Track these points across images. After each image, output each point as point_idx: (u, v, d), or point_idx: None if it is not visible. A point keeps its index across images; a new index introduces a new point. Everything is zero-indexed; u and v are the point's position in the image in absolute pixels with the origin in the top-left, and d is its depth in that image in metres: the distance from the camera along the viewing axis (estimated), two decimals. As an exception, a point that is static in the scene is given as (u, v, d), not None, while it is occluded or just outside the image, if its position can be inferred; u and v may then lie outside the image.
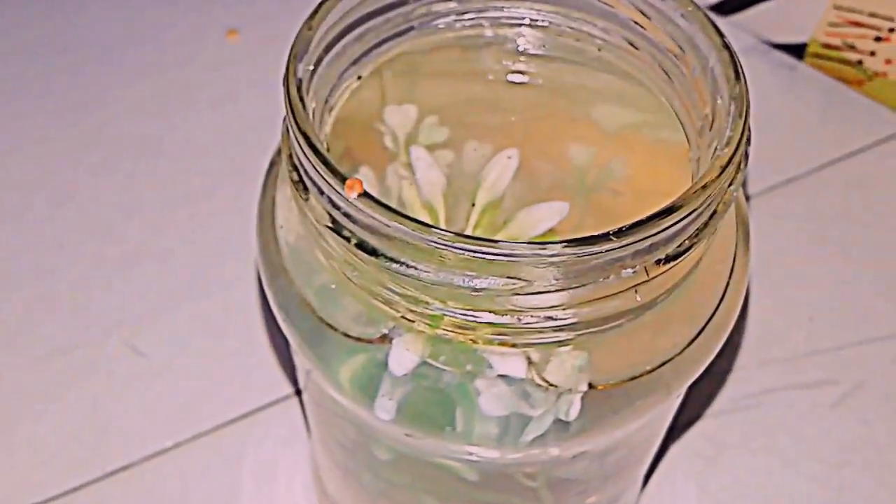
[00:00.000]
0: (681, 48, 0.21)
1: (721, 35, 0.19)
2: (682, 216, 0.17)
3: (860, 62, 0.42)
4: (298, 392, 0.33)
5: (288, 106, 0.18)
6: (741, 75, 0.19)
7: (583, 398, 0.19)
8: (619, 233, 0.16)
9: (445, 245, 0.16)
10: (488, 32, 0.23)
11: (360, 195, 0.17)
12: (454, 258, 0.16)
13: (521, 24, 0.23)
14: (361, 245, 0.17)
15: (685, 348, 0.20)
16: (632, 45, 0.22)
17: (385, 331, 0.19)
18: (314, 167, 0.17)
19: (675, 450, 0.32)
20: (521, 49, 0.23)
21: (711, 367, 0.34)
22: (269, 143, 0.31)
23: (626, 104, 0.23)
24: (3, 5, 0.45)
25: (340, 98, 0.21)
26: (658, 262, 0.17)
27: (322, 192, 0.18)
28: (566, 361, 0.19)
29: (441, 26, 0.23)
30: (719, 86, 0.19)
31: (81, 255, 0.37)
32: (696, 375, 0.21)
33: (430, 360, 0.19)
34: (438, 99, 0.23)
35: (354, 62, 0.21)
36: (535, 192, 0.22)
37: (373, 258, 0.17)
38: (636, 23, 0.22)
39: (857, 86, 0.43)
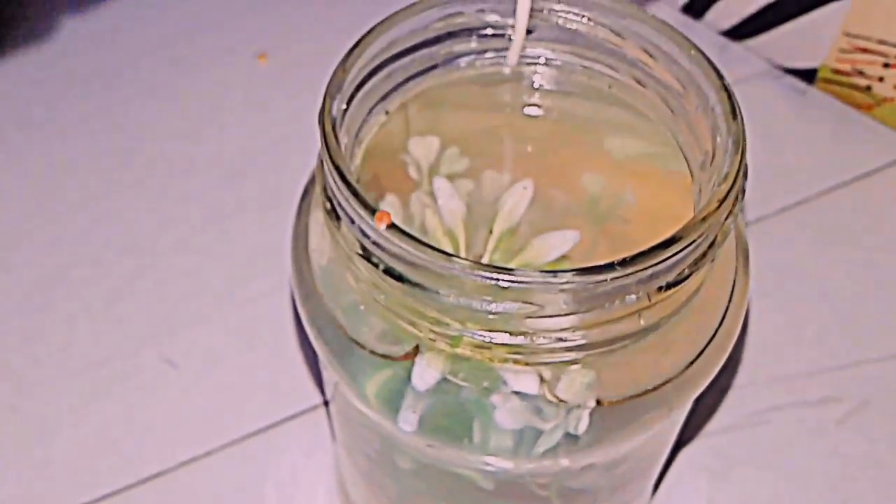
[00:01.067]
0: (684, 87, 0.22)
1: (721, 77, 0.21)
2: (682, 247, 0.18)
3: (869, 87, 0.44)
4: (325, 403, 0.34)
5: (323, 142, 0.20)
6: (738, 115, 0.20)
7: (591, 413, 0.20)
8: (623, 263, 0.18)
9: (465, 273, 0.18)
10: (507, 70, 0.25)
11: (388, 227, 0.18)
12: (473, 285, 0.18)
13: (537, 63, 0.25)
14: (388, 271, 0.19)
15: (686, 368, 0.21)
16: (639, 83, 0.24)
17: (409, 349, 0.20)
18: (346, 199, 0.19)
19: (683, 463, 0.33)
20: (536, 85, 0.25)
21: (720, 384, 0.36)
22: (296, 162, 0.32)
23: (635, 137, 0.24)
24: (41, 35, 0.46)
25: (370, 132, 0.23)
26: (659, 288, 0.19)
27: (353, 222, 0.19)
28: (575, 379, 0.20)
29: (462, 65, 0.24)
30: (719, 124, 0.20)
31: (116, 270, 0.38)
32: (697, 394, 0.22)
33: (449, 377, 0.20)
34: (459, 131, 0.25)
35: (382, 98, 0.23)
36: (551, 218, 0.23)
37: (398, 283, 0.19)
38: (643, 63, 0.23)
39: (867, 110, 0.44)
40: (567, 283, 0.17)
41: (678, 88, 0.22)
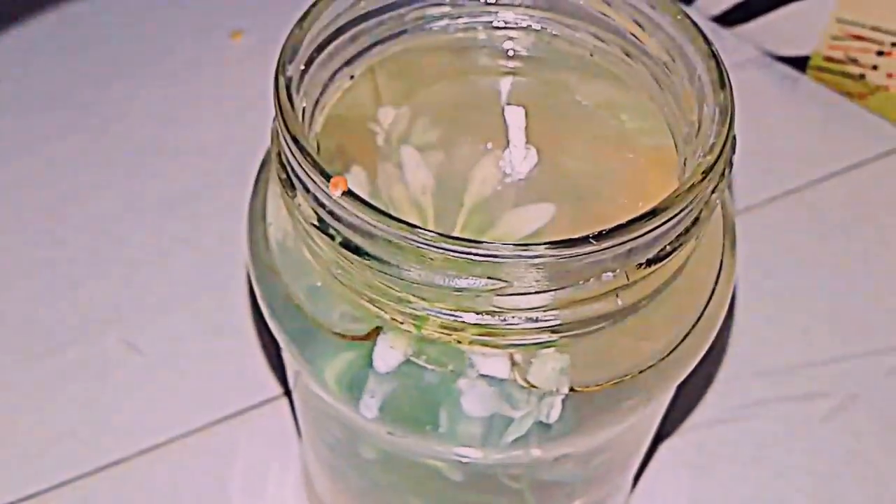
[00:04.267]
0: (671, 56, 0.21)
1: (709, 44, 0.19)
2: (662, 221, 0.17)
3: (862, 76, 0.42)
4: (289, 392, 0.33)
5: (277, 104, 0.18)
6: (727, 83, 0.19)
7: (564, 401, 0.19)
8: (599, 236, 0.16)
9: (427, 245, 0.16)
10: (481, 35, 0.23)
11: (343, 193, 0.17)
12: (437, 258, 0.16)
13: (514, 28, 0.23)
14: (346, 244, 0.17)
15: (668, 354, 0.20)
16: (624, 51, 0.22)
17: (370, 329, 0.19)
18: (300, 165, 0.17)
19: (665, 458, 0.32)
20: (512, 53, 0.23)
21: (704, 375, 0.35)
22: (268, 144, 0.31)
23: (618, 109, 0.23)
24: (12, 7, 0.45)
25: (332, 97, 0.22)
26: (639, 265, 0.17)
27: (308, 190, 0.18)
28: (548, 363, 0.19)
29: (435, 29, 0.23)
30: (706, 93, 0.19)
31: (81, 251, 0.37)
32: (679, 381, 0.21)
33: (413, 359, 0.19)
34: (431, 99, 0.23)
35: (347, 63, 0.22)
36: (527, 193, 0.22)
37: (357, 257, 0.17)
38: (630, 31, 0.22)
39: (860, 99, 0.43)
40: (538, 256, 0.16)
41: (664, 57, 0.21)
